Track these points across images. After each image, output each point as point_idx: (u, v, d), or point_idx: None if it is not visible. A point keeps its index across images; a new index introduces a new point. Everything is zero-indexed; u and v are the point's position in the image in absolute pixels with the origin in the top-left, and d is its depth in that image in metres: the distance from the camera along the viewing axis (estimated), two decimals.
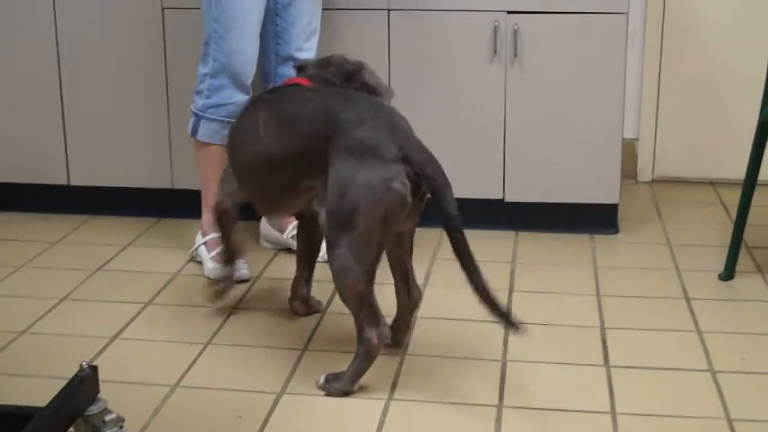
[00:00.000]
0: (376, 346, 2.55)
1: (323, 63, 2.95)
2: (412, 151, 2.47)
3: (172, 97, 3.76)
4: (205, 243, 3.39)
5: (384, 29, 3.62)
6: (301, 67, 3.00)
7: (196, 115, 3.31)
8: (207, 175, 3.37)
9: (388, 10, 3.60)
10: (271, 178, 2.73)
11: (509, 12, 3.53)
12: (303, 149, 2.60)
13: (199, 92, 3.29)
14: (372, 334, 2.54)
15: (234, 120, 3.27)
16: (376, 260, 2.55)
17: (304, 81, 2.88)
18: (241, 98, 3.25)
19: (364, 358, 2.57)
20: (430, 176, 2.46)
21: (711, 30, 4.32)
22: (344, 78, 2.89)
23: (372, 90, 2.88)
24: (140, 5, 3.70)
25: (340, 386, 2.56)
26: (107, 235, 3.72)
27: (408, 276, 2.77)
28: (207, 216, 3.41)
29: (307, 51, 3.41)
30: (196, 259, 3.44)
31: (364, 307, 2.55)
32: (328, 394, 2.57)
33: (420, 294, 2.82)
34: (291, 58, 3.39)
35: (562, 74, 3.61)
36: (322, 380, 2.60)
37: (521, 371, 2.69)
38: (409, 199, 2.47)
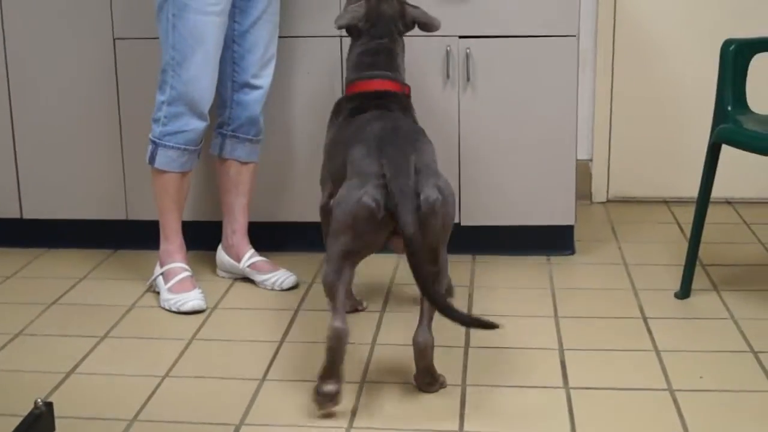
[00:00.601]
0: (329, 337, 2.57)
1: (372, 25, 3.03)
2: (387, 167, 2.53)
3: (125, 127, 3.74)
4: (162, 273, 3.37)
5: (337, 55, 3.63)
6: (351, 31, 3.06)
7: (153, 142, 3.29)
8: (164, 204, 3.36)
9: (341, 37, 3.61)
10: None
11: (461, 36, 3.55)
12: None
13: (156, 120, 3.28)
14: (329, 325, 2.58)
15: (192, 147, 3.27)
16: (345, 259, 2.60)
17: (391, 85, 2.99)
18: (198, 125, 3.24)
19: (325, 348, 2.59)
20: (391, 191, 2.50)
21: (661, 50, 4.36)
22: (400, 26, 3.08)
23: (424, 25, 3.10)
24: (91, 36, 3.68)
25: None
26: (62, 268, 3.69)
27: (420, 312, 2.72)
28: (165, 246, 3.40)
29: (264, 78, 3.41)
30: (154, 290, 3.42)
31: (330, 299, 2.61)
32: None
33: (426, 339, 2.69)
34: (247, 85, 3.39)
35: (515, 97, 3.62)
36: None
37: (481, 395, 2.68)
38: (379, 213, 2.51)
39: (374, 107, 2.88)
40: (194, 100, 3.23)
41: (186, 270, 3.38)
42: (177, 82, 3.21)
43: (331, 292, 2.61)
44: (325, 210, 2.99)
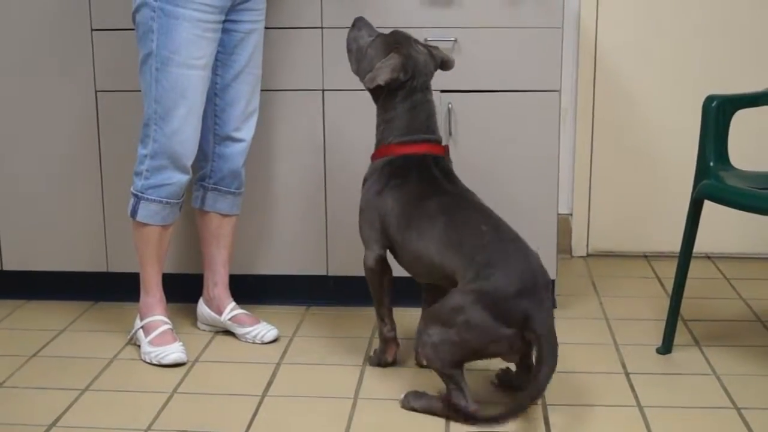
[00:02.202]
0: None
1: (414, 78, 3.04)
2: (537, 323, 2.72)
3: (106, 179, 3.74)
4: (142, 326, 3.36)
5: (318, 108, 3.64)
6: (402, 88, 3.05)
7: (135, 196, 3.28)
8: (144, 257, 3.35)
9: (322, 90, 3.62)
10: None
11: (443, 91, 3.56)
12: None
13: (138, 173, 3.27)
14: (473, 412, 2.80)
15: (174, 200, 3.26)
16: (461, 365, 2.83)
17: (436, 148, 3.04)
18: (181, 178, 3.24)
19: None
20: (537, 338, 2.74)
21: (641, 105, 4.40)
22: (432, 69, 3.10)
23: (446, 63, 3.14)
24: (73, 88, 3.68)
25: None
26: (42, 320, 3.67)
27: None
28: (145, 299, 3.38)
29: (245, 131, 3.41)
30: (135, 343, 3.40)
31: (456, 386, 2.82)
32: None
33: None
34: (229, 138, 3.39)
35: (497, 152, 3.64)
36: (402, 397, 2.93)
37: None
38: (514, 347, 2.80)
39: (430, 180, 2.98)
40: (177, 154, 3.22)
41: (166, 323, 3.36)
42: (160, 135, 3.21)
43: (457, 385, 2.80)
44: (374, 271, 3.09)
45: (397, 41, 3.05)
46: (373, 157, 3.12)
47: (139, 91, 3.27)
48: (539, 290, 2.74)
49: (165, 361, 3.25)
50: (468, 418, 2.77)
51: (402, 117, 3.03)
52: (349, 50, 3.15)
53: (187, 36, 3.14)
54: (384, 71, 2.98)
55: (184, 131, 3.22)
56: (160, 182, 3.24)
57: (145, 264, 3.36)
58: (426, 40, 3.47)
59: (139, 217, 3.29)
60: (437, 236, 2.85)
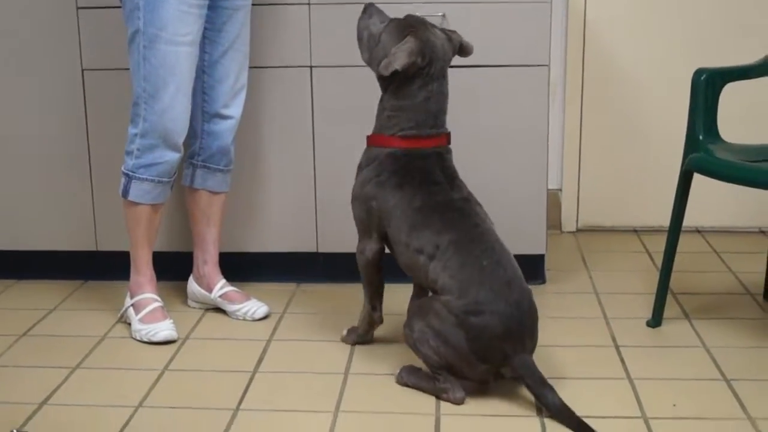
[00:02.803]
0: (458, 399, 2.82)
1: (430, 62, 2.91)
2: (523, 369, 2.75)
3: (94, 158, 3.73)
4: (132, 305, 3.35)
5: (307, 85, 3.63)
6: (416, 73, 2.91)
7: (126, 175, 3.27)
8: (135, 236, 3.34)
9: (311, 66, 3.62)
10: None
11: None
12: None
13: (129, 152, 3.25)
14: (454, 397, 2.82)
15: (165, 179, 3.25)
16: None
17: (440, 140, 2.99)
18: (172, 157, 3.23)
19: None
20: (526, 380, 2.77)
21: (631, 79, 4.40)
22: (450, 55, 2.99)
23: (466, 48, 3.02)
24: (60, 67, 3.67)
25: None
26: (32, 300, 3.66)
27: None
28: (135, 278, 3.38)
29: (234, 107, 3.40)
30: (125, 321, 3.40)
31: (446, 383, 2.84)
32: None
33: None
34: (218, 115, 3.38)
35: (486, 126, 3.64)
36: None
37: (456, 425, 2.68)
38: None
39: (432, 180, 2.93)
40: (168, 132, 3.21)
41: (157, 301, 3.36)
42: (150, 114, 3.19)
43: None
44: (372, 263, 3.06)
45: (412, 25, 2.91)
46: (370, 142, 3.03)
47: (126, 69, 3.25)
48: (523, 334, 2.75)
49: (156, 339, 3.25)
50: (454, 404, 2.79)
51: (414, 108, 2.92)
52: (359, 38, 3.02)
53: (173, 12, 3.12)
54: (400, 56, 2.84)
55: (174, 109, 3.20)
56: (152, 161, 3.23)
57: (136, 243, 3.36)
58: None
59: (131, 197, 3.28)
60: (437, 256, 2.82)
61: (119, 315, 3.43)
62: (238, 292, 3.52)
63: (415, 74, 2.89)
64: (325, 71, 3.62)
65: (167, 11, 3.12)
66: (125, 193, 3.28)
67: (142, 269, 3.39)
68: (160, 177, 3.25)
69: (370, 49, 2.98)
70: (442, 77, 2.95)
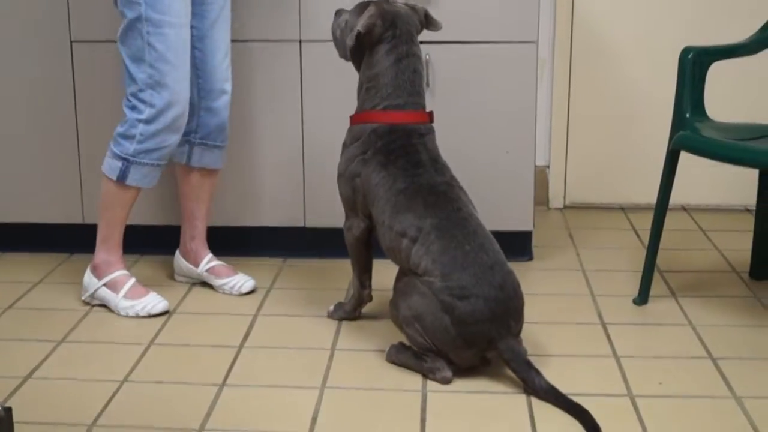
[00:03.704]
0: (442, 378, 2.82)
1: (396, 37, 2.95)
2: (506, 352, 2.75)
3: (82, 130, 3.71)
4: (106, 284, 3.33)
5: (296, 59, 3.62)
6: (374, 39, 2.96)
7: (125, 160, 3.19)
8: (115, 217, 3.30)
9: (300, 41, 3.60)
10: None
11: (420, 42, 3.54)
12: None
13: (129, 137, 3.18)
14: (442, 377, 2.81)
15: (164, 162, 3.23)
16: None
17: (425, 117, 2.99)
18: (175, 140, 3.21)
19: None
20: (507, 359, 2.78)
21: (619, 57, 4.39)
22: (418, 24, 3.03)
23: (433, 21, 3.07)
24: (48, 39, 3.65)
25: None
26: (17, 273, 3.65)
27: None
28: (106, 257, 3.35)
29: (229, 81, 3.38)
30: (97, 303, 3.36)
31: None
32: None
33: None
34: (215, 91, 3.36)
35: (474, 103, 3.63)
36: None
37: (442, 401, 2.68)
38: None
39: (414, 163, 2.92)
40: (176, 116, 3.17)
41: (132, 276, 3.34)
42: (157, 100, 3.14)
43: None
44: (360, 240, 3.07)
45: (372, 1, 2.99)
46: (354, 120, 3.05)
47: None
48: (508, 318, 2.74)
49: (155, 311, 3.25)
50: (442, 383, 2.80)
51: (387, 72, 2.94)
52: (334, 38, 3.10)
53: None
54: (362, 20, 2.92)
55: (181, 93, 3.17)
56: (155, 146, 3.19)
57: (115, 224, 3.32)
58: None
59: (129, 181, 3.22)
60: (420, 239, 2.81)
61: (88, 295, 3.37)
62: (224, 266, 3.51)
63: (381, 39, 2.94)
64: (315, 46, 3.60)
65: None
66: (123, 177, 3.21)
67: (115, 249, 3.35)
68: (160, 160, 3.22)
69: (344, 39, 3.04)
70: (411, 41, 2.98)
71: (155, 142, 3.18)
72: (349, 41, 2.94)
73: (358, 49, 2.98)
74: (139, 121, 3.17)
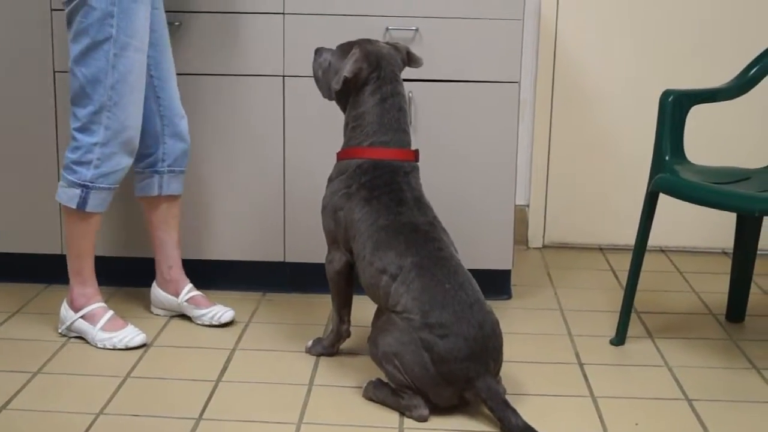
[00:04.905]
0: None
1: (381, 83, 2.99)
2: (485, 393, 2.74)
3: (62, 160, 3.69)
4: (84, 316, 3.31)
5: (280, 98, 3.63)
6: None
7: (84, 186, 3.19)
8: (83, 248, 3.29)
9: (283, 76, 3.62)
10: None
11: (403, 80, 3.55)
12: None
13: (85, 162, 3.18)
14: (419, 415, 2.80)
15: (117, 185, 3.22)
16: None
17: (411, 155, 3.01)
18: (129, 163, 3.22)
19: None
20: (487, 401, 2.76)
21: (600, 99, 4.42)
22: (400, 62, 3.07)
23: (415, 58, 3.10)
24: (31, 68, 3.65)
25: None
26: None
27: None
28: (82, 290, 3.33)
29: (181, 104, 3.42)
30: (74, 335, 3.34)
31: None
32: None
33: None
34: (178, 116, 3.38)
35: (456, 142, 3.65)
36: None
37: None
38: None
39: (398, 199, 2.93)
40: (130, 139, 3.19)
41: (109, 309, 3.33)
42: (113, 122, 3.15)
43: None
44: (341, 274, 3.07)
45: (355, 42, 3.02)
46: (340, 156, 3.07)
47: None
48: (487, 357, 2.75)
49: (133, 344, 3.24)
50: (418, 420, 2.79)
51: (372, 111, 2.98)
52: (316, 78, 3.12)
53: (143, 19, 3.13)
54: (347, 64, 2.95)
55: (136, 116, 3.19)
56: (111, 169, 3.19)
57: (83, 255, 3.31)
58: (387, 29, 3.48)
59: (89, 208, 3.21)
60: (400, 277, 2.82)
61: (65, 327, 3.35)
62: (204, 297, 3.50)
63: (367, 80, 2.98)
64: (298, 81, 3.62)
65: (140, 18, 3.12)
66: (83, 204, 3.20)
67: (89, 280, 3.34)
68: (115, 184, 3.22)
69: (326, 79, 3.07)
70: (395, 80, 3.02)
71: (111, 165, 3.18)
72: (336, 85, 2.97)
73: (344, 91, 3.01)
74: (95, 144, 3.16)
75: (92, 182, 3.19)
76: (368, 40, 3.04)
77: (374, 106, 2.98)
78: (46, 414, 2.79)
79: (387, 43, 3.07)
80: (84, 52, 3.13)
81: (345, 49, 3.03)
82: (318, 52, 3.13)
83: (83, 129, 3.18)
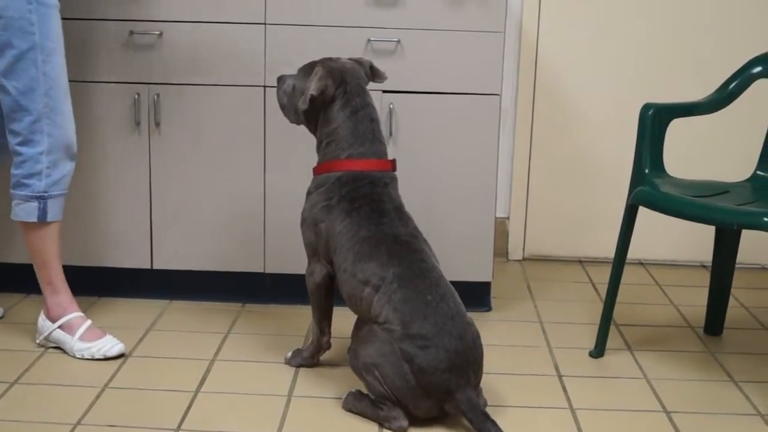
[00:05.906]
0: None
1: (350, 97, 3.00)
2: (464, 405, 2.73)
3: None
4: (61, 326, 3.29)
5: (260, 108, 3.63)
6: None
7: (40, 198, 3.17)
8: (50, 257, 3.27)
9: (264, 86, 3.62)
10: None
11: (385, 91, 3.57)
12: None
13: (34, 174, 3.15)
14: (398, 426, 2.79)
15: (67, 190, 3.22)
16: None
17: (387, 164, 3.03)
18: (72, 166, 3.22)
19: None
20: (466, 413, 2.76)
21: (580, 111, 4.44)
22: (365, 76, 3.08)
23: (378, 72, 3.11)
24: None
25: None
26: None
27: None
28: (56, 299, 3.30)
29: None
30: (52, 345, 3.31)
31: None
32: None
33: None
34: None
35: (436, 153, 3.65)
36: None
37: None
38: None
39: (378, 208, 2.94)
40: (70, 142, 3.19)
41: (87, 319, 3.31)
42: (53, 128, 3.14)
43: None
44: (321, 286, 3.06)
45: (317, 61, 3.04)
46: (317, 171, 3.07)
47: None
48: (468, 369, 2.75)
49: (111, 354, 3.22)
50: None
51: (345, 125, 2.99)
52: (282, 106, 3.15)
53: (57, 23, 3.13)
54: (312, 83, 2.96)
55: (71, 118, 3.20)
56: (60, 175, 3.18)
57: (51, 264, 3.28)
58: (369, 41, 3.49)
59: (50, 217, 3.20)
60: (382, 288, 2.82)
61: (41, 339, 3.32)
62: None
63: (334, 97, 2.99)
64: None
65: (56, 23, 3.13)
66: (43, 216, 3.18)
67: (61, 288, 3.32)
68: (65, 189, 3.22)
69: (292, 104, 3.09)
70: (363, 92, 3.03)
71: (59, 171, 3.18)
72: (302, 105, 2.98)
73: (312, 111, 3.02)
74: (41, 153, 3.15)
75: (47, 191, 3.18)
76: (329, 58, 3.06)
77: (346, 119, 2.99)
78: (24, 424, 2.78)
79: (349, 59, 3.08)
80: (12, 64, 3.10)
81: (307, 69, 3.05)
82: (281, 80, 3.14)
83: (25, 142, 3.15)
